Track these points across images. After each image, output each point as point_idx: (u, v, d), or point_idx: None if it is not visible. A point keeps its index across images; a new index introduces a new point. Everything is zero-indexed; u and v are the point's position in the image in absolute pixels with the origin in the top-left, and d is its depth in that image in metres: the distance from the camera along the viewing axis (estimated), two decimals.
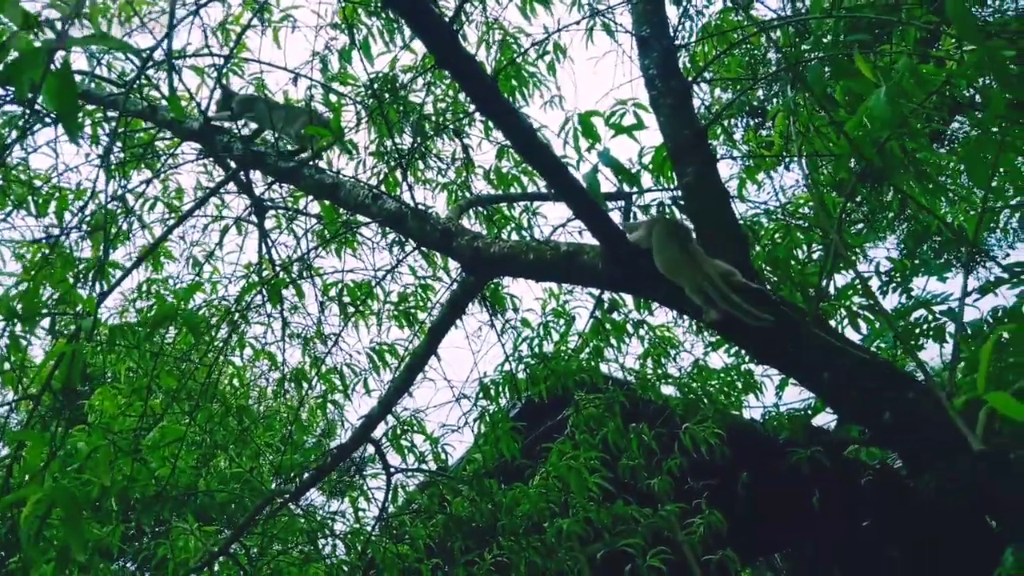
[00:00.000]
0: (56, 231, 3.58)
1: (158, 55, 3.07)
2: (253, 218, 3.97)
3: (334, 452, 3.23)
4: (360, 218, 3.49)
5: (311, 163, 2.84)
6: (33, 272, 2.05)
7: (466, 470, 4.02)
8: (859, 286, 3.55)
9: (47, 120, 2.90)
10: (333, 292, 3.96)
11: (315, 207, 3.82)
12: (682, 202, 2.17)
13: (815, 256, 3.40)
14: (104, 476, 2.27)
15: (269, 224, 4.04)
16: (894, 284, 4.44)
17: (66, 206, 3.21)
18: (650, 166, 3.28)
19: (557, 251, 2.25)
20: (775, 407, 4.52)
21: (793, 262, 3.35)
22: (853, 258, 2.60)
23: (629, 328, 4.14)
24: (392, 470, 3.58)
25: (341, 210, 3.52)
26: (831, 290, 3.16)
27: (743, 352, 4.22)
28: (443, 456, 3.90)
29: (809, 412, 5.63)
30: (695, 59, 3.53)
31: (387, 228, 3.43)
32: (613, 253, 2.00)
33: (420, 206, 2.59)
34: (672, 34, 2.21)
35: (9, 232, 3.58)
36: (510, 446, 3.60)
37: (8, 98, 2.97)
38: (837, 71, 1.89)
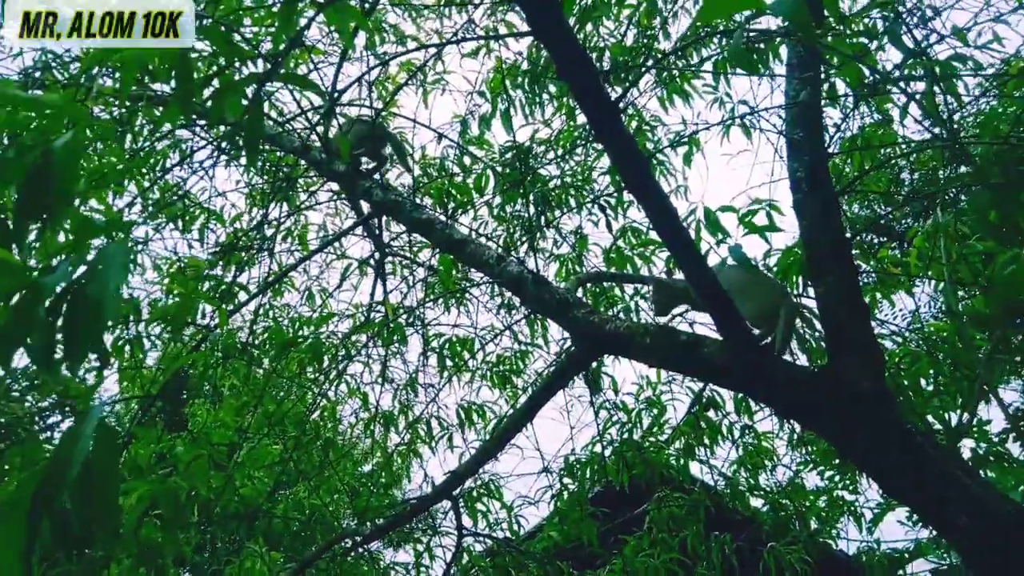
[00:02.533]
0: (196, 247, 3.86)
1: (315, 100, 3.32)
2: (372, 262, 4.15)
3: (414, 502, 3.22)
4: (475, 276, 3.58)
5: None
6: (189, 282, 2.21)
7: (535, 546, 3.91)
8: (979, 429, 3.30)
9: (215, 147, 3.17)
10: (435, 344, 4.04)
11: (433, 258, 3.96)
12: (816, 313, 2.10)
13: (942, 388, 3.20)
14: (202, 485, 2.34)
15: (386, 269, 4.20)
16: (1016, 433, 4.10)
17: (222, 222, 3.45)
18: (775, 268, 3.21)
19: (675, 339, 2.21)
20: (876, 543, 4.20)
21: (913, 392, 3.16)
22: (992, 399, 2.42)
23: (726, 431, 3.99)
24: (464, 532, 3.53)
25: (460, 266, 3.63)
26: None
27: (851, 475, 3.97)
28: (516, 527, 3.83)
29: (907, 555, 5.19)
30: (834, 169, 3.47)
31: (502, 290, 3.49)
32: (738, 351, 1.95)
33: (542, 274, 2.63)
34: (828, 142, 2.19)
35: (154, 243, 3.87)
36: (589, 531, 3.48)
37: (185, 124, 3.26)
38: (1006, 202, 1.81)
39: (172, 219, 3.79)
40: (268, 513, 3.95)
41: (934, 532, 4.15)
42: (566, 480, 3.69)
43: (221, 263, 3.77)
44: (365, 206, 3.55)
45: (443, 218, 2.94)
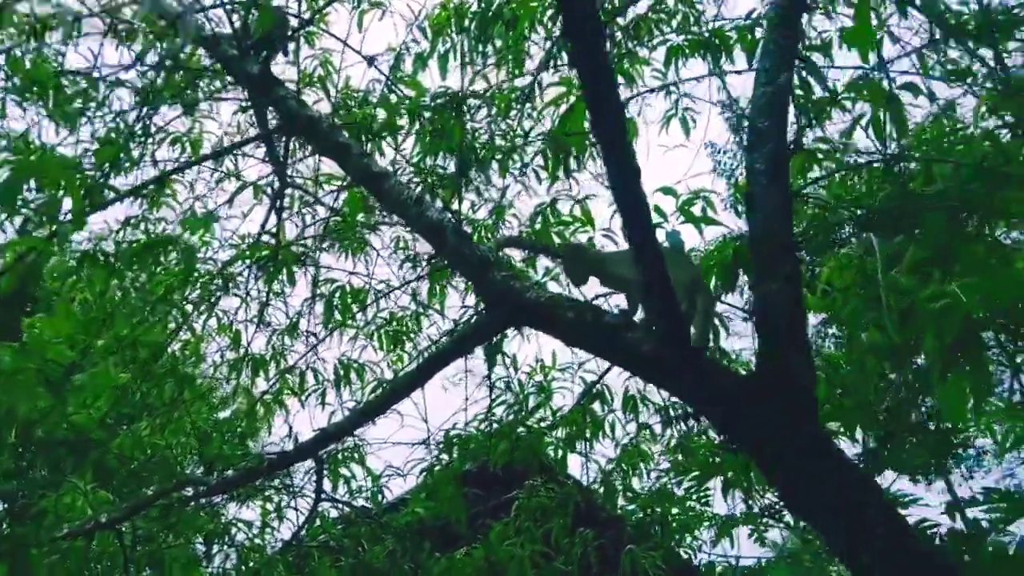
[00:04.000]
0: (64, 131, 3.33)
1: None
2: (269, 189, 3.74)
3: (273, 457, 2.90)
4: (388, 221, 3.28)
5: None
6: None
7: (399, 520, 3.68)
8: None
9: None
10: (324, 290, 3.71)
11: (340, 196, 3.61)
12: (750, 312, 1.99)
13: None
14: (22, 402, 1.95)
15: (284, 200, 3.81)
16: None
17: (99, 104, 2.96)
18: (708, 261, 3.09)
19: (600, 319, 2.04)
20: (736, 559, 4.24)
21: None
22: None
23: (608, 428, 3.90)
24: (324, 496, 3.25)
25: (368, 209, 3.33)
26: None
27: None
28: (380, 497, 3.58)
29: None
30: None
31: (413, 240, 3.22)
32: (669, 336, 1.79)
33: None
34: (794, 138, 2.08)
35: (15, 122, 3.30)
36: (459, 510, 3.29)
37: None
38: (953, 236, 1.74)
39: (39, 96, 3.24)
40: (102, 446, 3.51)
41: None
42: (443, 456, 3.47)
43: (92, 155, 3.28)
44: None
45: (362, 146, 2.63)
